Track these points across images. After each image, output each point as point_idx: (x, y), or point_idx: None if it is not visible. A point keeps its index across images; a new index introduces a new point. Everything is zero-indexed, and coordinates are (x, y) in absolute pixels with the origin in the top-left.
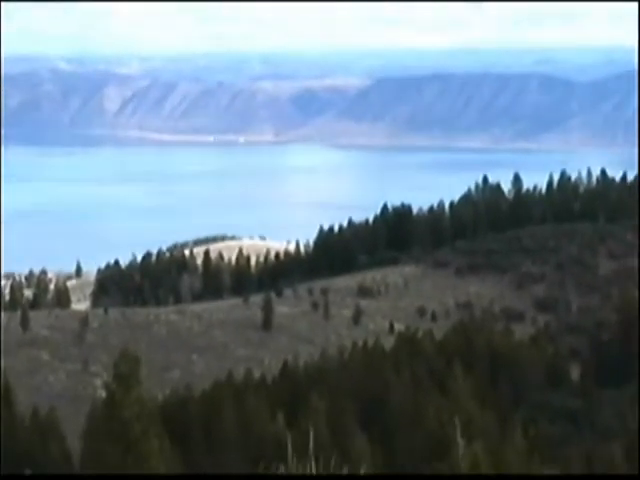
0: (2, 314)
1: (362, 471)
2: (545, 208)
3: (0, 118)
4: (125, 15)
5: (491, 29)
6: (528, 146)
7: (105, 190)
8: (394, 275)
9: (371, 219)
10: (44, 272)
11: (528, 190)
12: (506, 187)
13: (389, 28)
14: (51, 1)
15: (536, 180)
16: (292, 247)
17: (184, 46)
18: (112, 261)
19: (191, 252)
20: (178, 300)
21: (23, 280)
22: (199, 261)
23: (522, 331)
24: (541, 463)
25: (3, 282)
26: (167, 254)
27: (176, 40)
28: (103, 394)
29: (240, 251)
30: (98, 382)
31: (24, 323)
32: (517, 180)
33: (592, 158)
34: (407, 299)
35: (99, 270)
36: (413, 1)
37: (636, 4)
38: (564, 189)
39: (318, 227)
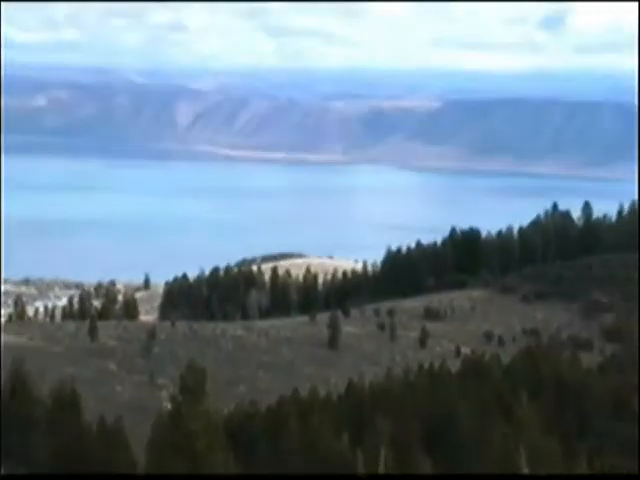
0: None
1: None
2: (615, 237)
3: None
4: (197, 29)
5: (563, 52)
6: (599, 174)
7: (174, 204)
8: (461, 298)
9: (439, 242)
10: (113, 283)
11: (598, 218)
12: (576, 214)
13: (458, 50)
14: None
15: (606, 208)
16: (359, 267)
17: (256, 62)
18: (180, 274)
19: (259, 268)
20: (245, 315)
21: (92, 290)
22: (267, 277)
23: (589, 360)
24: None
25: (73, 292)
26: (235, 269)
27: (248, 56)
28: (169, 406)
29: (308, 269)
30: (164, 394)
31: (92, 333)
32: (587, 208)
33: None
34: (474, 323)
35: (167, 283)
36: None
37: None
38: (634, 218)
39: (386, 248)
